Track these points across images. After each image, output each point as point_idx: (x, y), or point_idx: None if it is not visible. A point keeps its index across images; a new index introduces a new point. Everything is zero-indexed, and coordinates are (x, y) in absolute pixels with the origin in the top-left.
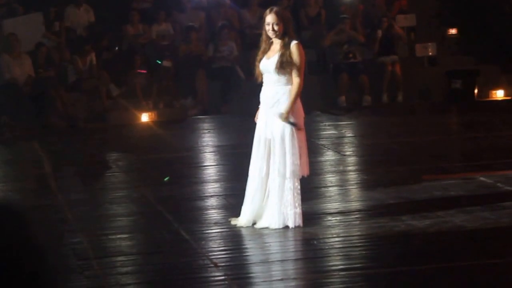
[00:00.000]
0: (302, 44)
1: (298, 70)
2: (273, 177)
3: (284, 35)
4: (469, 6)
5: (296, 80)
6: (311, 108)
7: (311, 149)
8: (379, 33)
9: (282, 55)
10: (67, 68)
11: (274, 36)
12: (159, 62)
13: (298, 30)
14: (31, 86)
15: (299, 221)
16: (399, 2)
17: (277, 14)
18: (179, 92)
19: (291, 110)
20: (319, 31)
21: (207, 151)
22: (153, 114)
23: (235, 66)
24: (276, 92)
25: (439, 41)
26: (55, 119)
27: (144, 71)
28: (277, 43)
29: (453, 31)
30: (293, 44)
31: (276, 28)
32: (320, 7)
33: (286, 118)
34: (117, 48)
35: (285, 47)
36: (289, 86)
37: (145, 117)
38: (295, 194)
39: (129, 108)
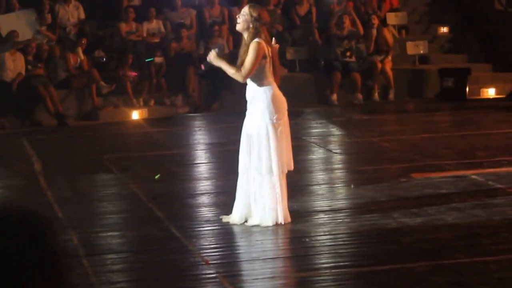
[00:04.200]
0: (292, 43)
1: (246, 63)
2: (252, 173)
3: (247, 31)
4: (460, 4)
5: (241, 70)
6: (302, 105)
7: (301, 146)
8: (374, 32)
9: (243, 53)
10: (57, 66)
11: (237, 28)
12: (148, 60)
13: (290, 28)
14: (20, 83)
15: (281, 219)
16: (389, 0)
17: (245, 8)
18: (169, 89)
19: (225, 66)
20: (310, 28)
21: (198, 148)
22: (143, 111)
23: None
24: (251, 89)
25: (430, 39)
26: (45, 117)
27: (135, 74)
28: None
29: (444, 29)
30: (252, 42)
31: (238, 20)
32: (311, 4)
33: (213, 58)
34: (104, 59)
35: (245, 46)
36: (264, 86)
37: (135, 115)
38: (274, 190)
39: (119, 105)
